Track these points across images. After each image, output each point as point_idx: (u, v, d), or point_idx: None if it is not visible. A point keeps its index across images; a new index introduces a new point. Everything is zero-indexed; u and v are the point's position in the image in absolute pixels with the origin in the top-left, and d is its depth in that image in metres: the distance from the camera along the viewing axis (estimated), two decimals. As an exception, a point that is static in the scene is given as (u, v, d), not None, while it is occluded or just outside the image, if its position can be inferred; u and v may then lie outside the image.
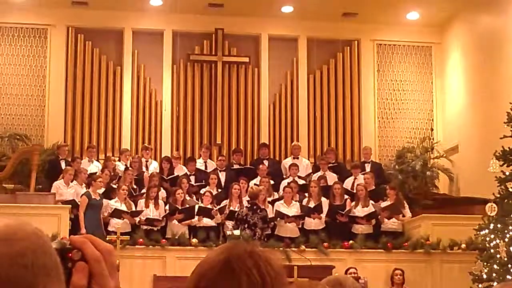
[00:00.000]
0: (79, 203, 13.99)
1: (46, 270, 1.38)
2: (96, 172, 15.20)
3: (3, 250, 1.35)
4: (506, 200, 11.97)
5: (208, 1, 17.16)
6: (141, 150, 16.51)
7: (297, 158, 16.54)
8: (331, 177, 15.81)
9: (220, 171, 15.92)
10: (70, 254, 1.45)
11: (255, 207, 13.95)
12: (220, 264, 1.91)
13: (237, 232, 13.62)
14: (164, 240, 13.94)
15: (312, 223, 14.59)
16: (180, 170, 15.91)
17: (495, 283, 11.48)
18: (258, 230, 13.79)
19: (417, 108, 18.14)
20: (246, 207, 14.02)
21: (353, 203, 14.82)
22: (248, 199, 14.38)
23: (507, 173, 12.02)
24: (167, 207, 14.49)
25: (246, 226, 13.77)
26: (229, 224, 14.20)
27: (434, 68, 18.28)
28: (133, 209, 14.33)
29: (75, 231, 13.32)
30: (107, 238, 12.49)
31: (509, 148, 12.00)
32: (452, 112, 17.59)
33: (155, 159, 16.67)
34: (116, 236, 12.79)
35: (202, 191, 14.99)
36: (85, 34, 17.46)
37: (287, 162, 16.57)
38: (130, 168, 15.45)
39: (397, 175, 16.63)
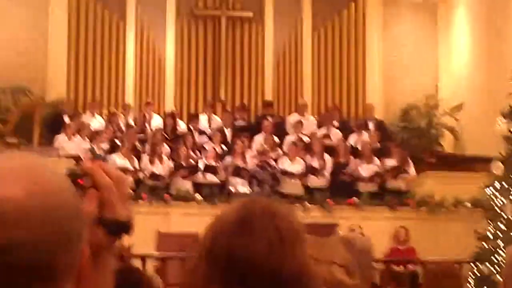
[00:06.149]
0: (83, 158, 13.96)
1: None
2: (99, 128, 15.15)
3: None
4: (512, 159, 11.88)
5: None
6: (144, 105, 16.39)
7: (303, 115, 16.43)
8: (335, 135, 15.72)
9: (225, 127, 15.83)
10: (81, 181, 1.39)
11: (265, 164, 13.94)
12: (237, 222, 1.85)
13: (242, 189, 13.58)
14: (167, 195, 13.87)
15: (316, 181, 14.52)
16: (183, 127, 15.87)
17: (499, 242, 11.46)
18: (267, 187, 13.77)
19: (422, 65, 18.00)
20: (257, 164, 14.00)
21: (358, 160, 14.75)
22: (253, 155, 14.35)
23: (514, 131, 11.90)
24: (171, 163, 14.41)
25: (255, 182, 13.77)
26: (234, 180, 14.13)
27: (440, 25, 18.12)
28: (137, 164, 14.26)
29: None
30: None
31: (515, 105, 11.88)
32: (457, 70, 17.47)
33: (159, 114, 16.57)
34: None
35: (206, 147, 14.93)
36: (88, -12, 17.29)
37: (292, 118, 16.44)
38: (134, 126, 15.37)
39: (401, 133, 16.55)
